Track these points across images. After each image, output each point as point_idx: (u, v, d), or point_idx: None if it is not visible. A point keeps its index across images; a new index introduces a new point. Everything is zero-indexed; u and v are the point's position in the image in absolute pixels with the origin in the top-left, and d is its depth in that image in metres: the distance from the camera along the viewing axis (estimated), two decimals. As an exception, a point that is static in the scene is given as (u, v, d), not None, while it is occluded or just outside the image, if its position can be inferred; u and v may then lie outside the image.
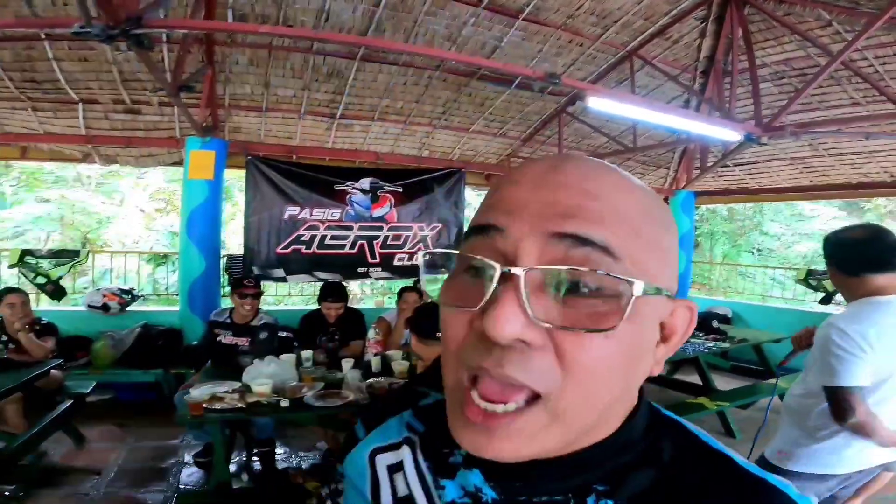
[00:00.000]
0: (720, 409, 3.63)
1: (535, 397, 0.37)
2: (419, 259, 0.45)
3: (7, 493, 2.71)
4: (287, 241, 4.91)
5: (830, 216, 13.10)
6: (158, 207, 10.98)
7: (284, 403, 2.39)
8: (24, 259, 4.47)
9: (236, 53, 4.14)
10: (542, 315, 0.35)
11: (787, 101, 4.37)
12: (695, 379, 4.42)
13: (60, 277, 4.52)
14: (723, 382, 4.46)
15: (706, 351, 3.89)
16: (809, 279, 6.26)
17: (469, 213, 5.92)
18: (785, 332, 4.65)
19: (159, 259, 8.59)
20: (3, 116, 4.27)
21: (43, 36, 3.60)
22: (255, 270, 4.76)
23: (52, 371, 3.11)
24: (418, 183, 5.42)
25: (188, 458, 3.29)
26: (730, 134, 4.27)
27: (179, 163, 4.85)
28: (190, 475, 3.09)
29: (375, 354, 3.04)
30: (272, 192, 4.79)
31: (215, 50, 4.01)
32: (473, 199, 6.54)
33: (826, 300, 5.82)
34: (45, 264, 4.46)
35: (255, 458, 3.25)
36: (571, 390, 0.36)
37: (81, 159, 4.65)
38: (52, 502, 2.73)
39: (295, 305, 6.18)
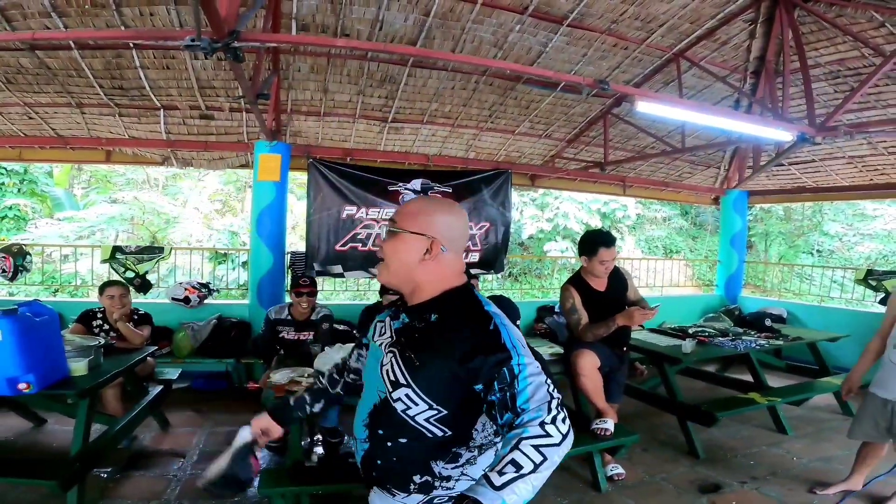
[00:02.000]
0: (771, 404, 3.61)
1: (383, 261, 1.23)
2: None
3: (104, 476, 2.86)
4: (345, 239, 5.18)
5: (894, 216, 12.46)
6: (216, 209, 11.61)
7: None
8: (115, 255, 4.90)
9: (299, 62, 4.43)
10: (381, 240, 1.31)
11: (841, 100, 4.30)
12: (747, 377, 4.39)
13: (146, 272, 4.93)
14: (777, 381, 4.40)
15: (757, 348, 3.87)
16: (869, 279, 6.04)
17: (514, 214, 6.04)
18: (842, 333, 4.57)
19: (220, 257, 9.14)
20: (92, 122, 4.71)
21: (131, 45, 3.94)
22: (316, 267, 5.04)
23: (147, 358, 3.30)
24: (467, 183, 5.59)
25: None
26: (782, 134, 4.24)
27: (245, 165, 5.22)
28: (263, 458, 3.28)
29: None
30: (332, 193, 5.07)
31: (280, 59, 4.30)
32: (517, 200, 6.63)
33: (885, 300, 5.61)
34: (132, 260, 4.88)
35: (318, 445, 3.42)
36: (386, 256, 1.22)
37: (161, 162, 5.07)
38: (143, 483, 2.88)
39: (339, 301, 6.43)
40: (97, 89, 4.30)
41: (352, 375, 1.46)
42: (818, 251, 14.41)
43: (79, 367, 2.46)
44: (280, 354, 3.48)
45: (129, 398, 3.29)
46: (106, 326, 3.50)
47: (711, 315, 6.21)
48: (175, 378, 3.79)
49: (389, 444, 1.16)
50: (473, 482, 1.05)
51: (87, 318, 3.52)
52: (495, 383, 1.06)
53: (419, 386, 1.12)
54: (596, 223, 13.30)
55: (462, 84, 4.92)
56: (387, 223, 1.24)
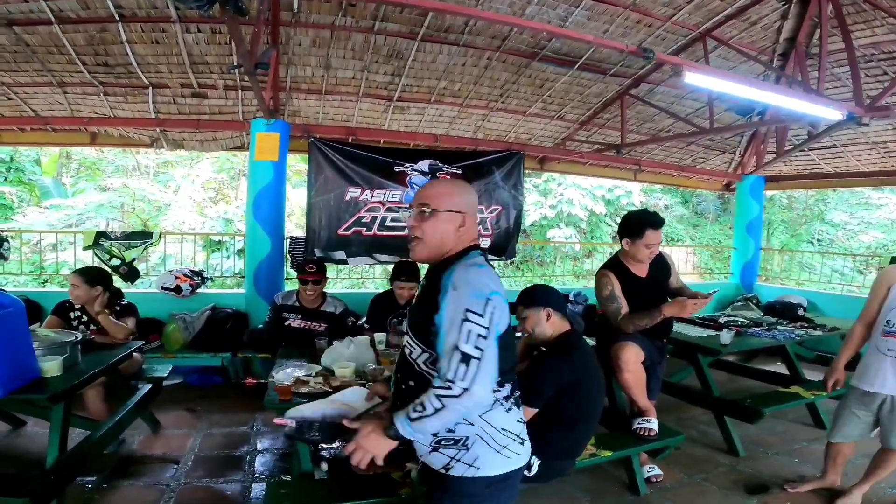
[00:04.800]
0: (816, 398, 3.39)
1: (419, 239, 1.41)
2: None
3: (89, 486, 2.58)
4: (349, 223, 4.87)
5: (900, 203, 12.37)
6: (210, 196, 11.26)
7: (369, 387, 2.29)
8: (98, 241, 4.51)
9: (300, 34, 4.11)
10: (415, 219, 1.42)
11: (886, 83, 4.17)
12: (774, 368, 4.18)
13: (134, 259, 4.56)
14: (808, 372, 4.18)
15: (796, 339, 3.64)
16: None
17: (526, 197, 5.79)
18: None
19: (214, 245, 8.82)
20: (75, 102, 4.38)
21: (117, 18, 3.62)
22: (317, 253, 4.73)
23: (133, 354, 2.94)
24: (477, 165, 5.31)
25: (260, 445, 3.25)
26: (831, 113, 4.04)
27: (241, 147, 4.90)
28: (264, 464, 3.02)
29: None
30: (334, 174, 4.75)
31: (280, 31, 3.98)
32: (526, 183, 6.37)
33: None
34: (118, 246, 4.50)
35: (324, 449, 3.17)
36: (424, 236, 1.40)
37: (150, 144, 4.74)
38: (133, 494, 2.59)
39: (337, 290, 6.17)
40: (80, 66, 3.99)
41: None
42: (818, 240, 14.33)
43: (51, 366, 2.14)
44: (282, 351, 3.19)
45: (115, 398, 2.95)
46: (85, 318, 3.11)
47: (738, 303, 6.00)
48: (166, 375, 3.43)
49: (403, 387, 1.40)
50: (471, 426, 1.32)
51: (63, 310, 3.13)
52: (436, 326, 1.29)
53: (412, 331, 1.38)
54: (601, 210, 13.09)
55: (473, 61, 4.64)
56: (417, 206, 1.39)
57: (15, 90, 4.19)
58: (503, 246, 5.58)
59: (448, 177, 5.19)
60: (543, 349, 2.22)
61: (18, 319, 1.99)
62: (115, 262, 4.50)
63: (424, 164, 5.08)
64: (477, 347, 1.21)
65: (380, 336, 2.96)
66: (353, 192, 4.84)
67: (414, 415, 1.23)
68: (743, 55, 4.76)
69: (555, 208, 12.98)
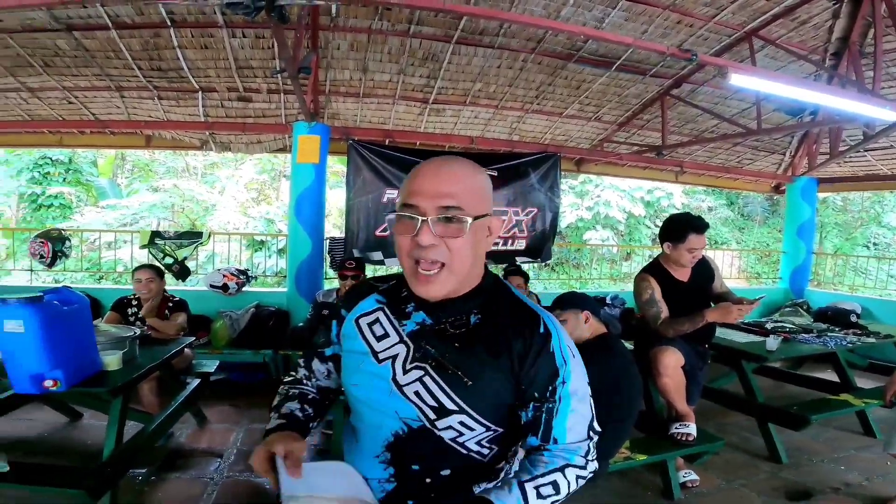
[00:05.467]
0: (867, 406, 3.24)
1: (442, 265, 0.87)
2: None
3: (140, 478, 2.65)
4: (385, 224, 4.95)
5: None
6: (252, 197, 11.67)
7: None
8: (153, 240, 4.76)
9: (338, 39, 4.21)
10: (438, 233, 0.86)
11: None
12: (824, 376, 4.01)
13: (185, 258, 4.79)
14: (860, 380, 3.99)
15: (848, 346, 3.48)
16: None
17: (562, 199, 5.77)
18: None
19: (257, 244, 9.13)
20: (132, 105, 4.61)
21: (169, 23, 3.79)
22: (355, 253, 4.83)
23: (185, 349, 3.02)
24: (514, 167, 5.30)
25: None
26: (887, 114, 3.88)
27: (282, 149, 5.05)
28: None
29: None
30: (372, 176, 4.85)
31: (319, 36, 4.09)
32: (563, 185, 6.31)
33: None
34: (171, 245, 4.73)
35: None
36: (455, 260, 0.87)
37: (199, 147, 4.95)
38: (180, 486, 2.67)
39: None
40: (136, 71, 4.20)
41: (327, 399, 1.15)
42: (874, 244, 13.62)
43: (112, 360, 2.24)
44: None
45: (166, 392, 3.06)
46: (142, 314, 3.30)
47: (787, 309, 5.77)
48: (213, 370, 3.58)
49: (429, 479, 0.94)
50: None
51: (121, 306, 3.33)
52: (532, 402, 0.92)
53: (475, 408, 0.91)
54: (640, 212, 12.83)
55: (508, 63, 4.63)
56: (437, 208, 0.85)
57: (76, 94, 4.45)
58: (539, 248, 5.55)
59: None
60: (579, 351, 2.21)
61: (84, 315, 2.10)
62: (168, 260, 4.72)
63: (460, 167, 5.11)
64: (600, 423, 1.00)
65: None
66: (391, 193, 4.92)
67: (536, 502, 0.87)
68: (792, 55, 4.59)
69: (591, 210, 12.80)
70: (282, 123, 4.82)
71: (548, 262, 6.09)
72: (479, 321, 0.93)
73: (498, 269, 4.62)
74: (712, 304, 2.73)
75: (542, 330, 0.93)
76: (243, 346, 4.19)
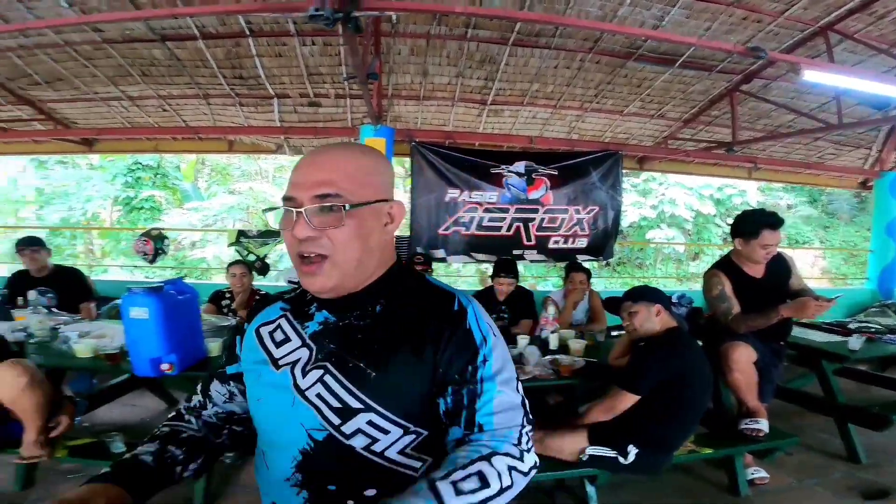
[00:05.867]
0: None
1: (324, 257, 0.79)
2: (269, 215, 1.30)
3: (228, 461, 2.76)
4: (448, 223, 5.13)
5: None
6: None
7: None
8: (239, 239, 5.22)
9: (399, 44, 4.39)
10: (316, 224, 0.78)
11: None
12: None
13: (266, 255, 5.20)
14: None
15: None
16: None
17: (624, 197, 5.68)
18: None
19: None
20: (216, 112, 5.04)
21: (248, 32, 4.10)
22: (419, 251, 5.02)
23: None
24: (573, 166, 5.31)
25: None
26: None
27: (348, 151, 5.31)
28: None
29: (553, 332, 2.99)
30: (434, 176, 5.04)
31: (381, 42, 4.26)
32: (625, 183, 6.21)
33: None
34: (255, 243, 5.17)
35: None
36: (337, 252, 0.79)
37: (275, 150, 5.34)
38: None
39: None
40: (220, 79, 4.58)
41: (235, 425, 0.97)
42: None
43: (214, 347, 2.45)
44: None
45: None
46: (234, 306, 3.62)
47: (874, 310, 5.40)
48: None
49: (351, 502, 0.79)
50: None
51: (217, 298, 3.67)
52: (450, 386, 0.79)
53: (382, 403, 0.78)
54: (709, 210, 12.28)
55: (566, 63, 4.64)
56: (311, 198, 0.77)
57: (169, 102, 4.92)
58: (600, 246, 5.52)
59: (545, 179, 5.24)
60: (648, 341, 2.26)
61: (194, 305, 2.31)
62: (252, 257, 5.13)
63: (520, 166, 5.19)
64: (525, 398, 0.86)
65: None
66: (453, 193, 5.08)
67: (455, 500, 0.69)
68: (872, 49, 4.28)
69: (656, 209, 12.39)
70: (348, 127, 5.09)
71: (609, 260, 6.03)
72: (382, 308, 0.84)
73: (559, 268, 4.65)
74: (788, 302, 2.65)
75: (455, 307, 0.83)
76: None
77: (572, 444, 2.19)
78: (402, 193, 5.53)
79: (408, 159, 5.18)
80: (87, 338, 2.52)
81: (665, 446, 2.21)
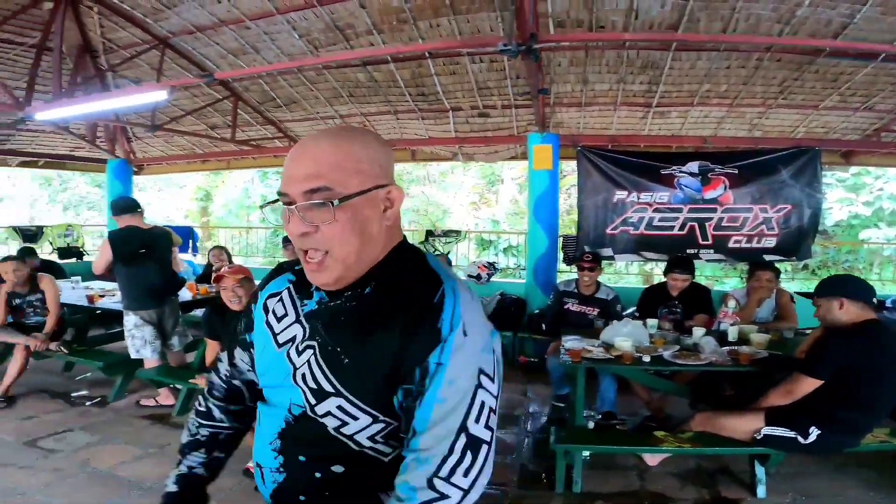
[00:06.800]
0: None
1: (326, 253, 0.76)
2: (267, 210, 0.86)
3: None
4: (616, 223, 5.21)
5: None
6: (473, 201, 12.92)
7: (646, 359, 2.66)
8: (427, 237, 6.05)
9: (559, 57, 4.53)
10: (310, 220, 0.74)
11: None
12: None
13: (448, 252, 5.92)
14: None
15: None
16: None
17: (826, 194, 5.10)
18: None
19: (485, 243, 10.18)
20: (403, 126, 5.78)
21: (427, 55, 4.63)
22: (586, 250, 5.16)
23: None
24: (757, 164, 4.97)
25: (531, 409, 3.88)
26: None
27: (514, 157, 5.70)
28: (534, 423, 3.61)
29: (732, 324, 3.03)
30: (601, 179, 5.16)
31: (542, 56, 4.39)
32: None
33: None
34: (440, 241, 5.95)
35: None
36: (335, 246, 0.75)
37: (451, 158, 5.95)
38: None
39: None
40: (407, 97, 5.25)
41: (243, 402, 1.00)
42: None
43: None
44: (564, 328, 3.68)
45: None
46: None
47: None
48: None
49: (318, 474, 0.81)
50: None
51: None
52: (404, 383, 0.75)
53: (351, 390, 0.77)
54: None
55: (740, 63, 4.33)
56: (302, 194, 0.74)
57: (368, 118, 5.76)
58: (794, 247, 5.07)
59: (723, 178, 5.03)
60: (833, 330, 2.29)
61: None
62: (437, 253, 5.83)
63: (693, 166, 5.03)
64: (488, 427, 0.74)
65: (652, 322, 3.27)
66: (620, 194, 5.15)
67: None
68: None
69: (870, 205, 10.56)
70: (514, 135, 5.43)
71: (806, 261, 5.48)
72: (372, 290, 0.80)
73: (739, 270, 4.42)
74: None
75: (435, 300, 0.76)
76: (490, 328, 5.02)
77: (747, 424, 2.30)
78: (563, 198, 5.67)
79: (573, 162, 5.35)
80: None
81: (851, 429, 2.24)
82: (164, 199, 15.05)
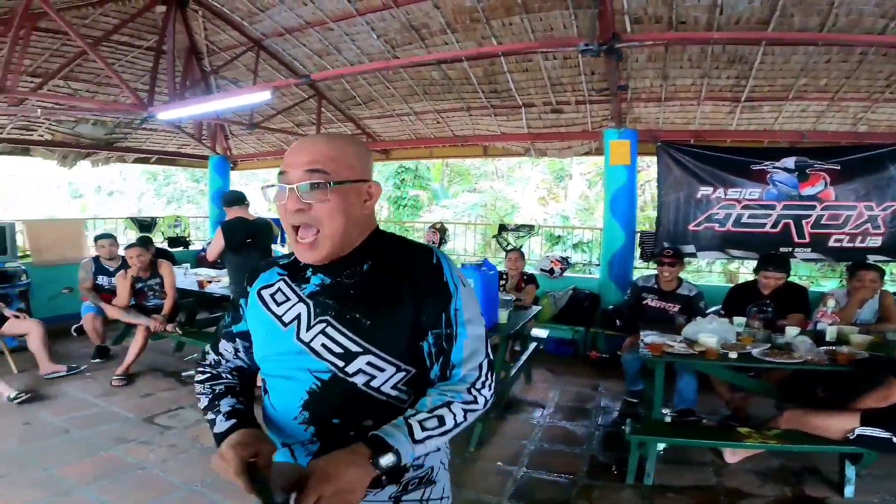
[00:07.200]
0: None
1: (317, 232, 0.93)
2: (268, 191, 0.98)
3: (492, 416, 3.38)
4: (699, 219, 5.09)
5: None
6: (541, 196, 12.79)
7: (732, 355, 2.63)
8: (501, 231, 6.27)
9: (636, 53, 4.42)
10: (305, 199, 0.91)
11: None
12: None
13: (521, 246, 6.01)
14: None
15: None
16: None
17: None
18: None
19: (554, 238, 10.12)
20: (475, 122, 5.90)
21: (500, 54, 4.67)
22: (666, 246, 5.06)
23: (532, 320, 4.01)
24: (861, 160, 4.65)
25: (603, 403, 3.95)
26: None
27: (588, 153, 5.66)
28: (605, 417, 3.69)
29: (831, 324, 2.95)
30: (683, 174, 5.04)
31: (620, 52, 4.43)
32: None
33: None
34: (512, 235, 6.11)
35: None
36: (325, 223, 0.92)
37: (523, 154, 6.01)
38: (516, 426, 3.47)
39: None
40: (479, 94, 5.35)
41: (245, 378, 1.12)
42: None
43: (503, 315, 3.34)
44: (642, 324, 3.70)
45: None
46: (507, 287, 4.53)
47: None
48: (545, 338, 4.57)
49: (353, 433, 0.92)
50: (437, 451, 1.01)
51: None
52: (430, 332, 0.95)
53: (379, 346, 0.94)
54: None
55: (841, 57, 4.06)
56: (302, 174, 0.92)
57: (441, 115, 5.93)
58: None
59: (823, 174, 4.77)
60: None
61: (495, 280, 3.21)
62: (509, 247, 6.01)
63: (789, 162, 4.78)
64: (487, 346, 1.01)
65: (739, 319, 3.22)
66: (705, 190, 5.01)
67: (422, 434, 0.87)
68: None
69: None
70: (588, 130, 5.39)
71: None
72: (370, 267, 0.98)
73: (838, 271, 4.15)
74: None
75: (434, 261, 0.97)
76: (562, 322, 5.08)
77: (841, 423, 2.27)
78: (638, 195, 5.56)
79: (650, 158, 5.24)
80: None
81: None
82: (251, 194, 16.07)
